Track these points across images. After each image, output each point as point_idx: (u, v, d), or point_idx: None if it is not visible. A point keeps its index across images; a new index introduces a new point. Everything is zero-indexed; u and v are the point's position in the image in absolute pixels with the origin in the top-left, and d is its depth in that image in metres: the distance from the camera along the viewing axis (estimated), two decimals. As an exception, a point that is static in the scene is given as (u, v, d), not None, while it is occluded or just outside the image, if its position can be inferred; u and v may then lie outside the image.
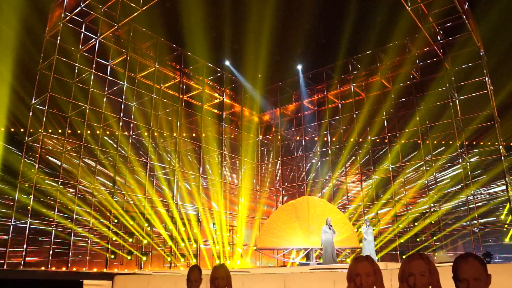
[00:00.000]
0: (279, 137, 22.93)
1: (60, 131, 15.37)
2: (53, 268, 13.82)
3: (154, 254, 16.53)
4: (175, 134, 18.80)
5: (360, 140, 19.75)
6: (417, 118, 17.70)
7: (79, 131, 15.39)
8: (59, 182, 14.38)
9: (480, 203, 16.34)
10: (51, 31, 15.41)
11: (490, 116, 15.92)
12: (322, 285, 6.18)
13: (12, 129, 16.73)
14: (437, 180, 17.73)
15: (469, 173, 16.32)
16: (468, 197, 16.18)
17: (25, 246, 13.08)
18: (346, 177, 20.01)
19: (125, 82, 16.66)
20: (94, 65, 15.85)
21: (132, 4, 14.94)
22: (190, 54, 19.48)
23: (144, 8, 14.51)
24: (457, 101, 17.07)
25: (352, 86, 20.44)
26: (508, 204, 15.04)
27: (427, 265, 2.18)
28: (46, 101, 14.11)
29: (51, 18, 15.90)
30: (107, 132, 16.96)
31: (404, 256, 14.04)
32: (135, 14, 14.95)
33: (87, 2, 14.89)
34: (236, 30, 18.12)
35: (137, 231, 15.48)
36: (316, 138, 22.01)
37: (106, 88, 16.25)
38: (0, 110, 15.18)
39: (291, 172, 23.03)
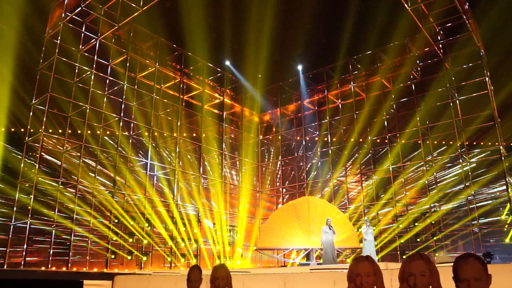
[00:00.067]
0: (280, 137, 22.93)
1: (60, 131, 15.38)
2: (53, 268, 13.82)
3: (154, 254, 16.53)
4: (175, 134, 18.80)
5: (361, 140, 19.75)
6: (418, 118, 17.70)
7: (79, 131, 15.39)
8: (59, 182, 14.38)
9: (481, 203, 16.33)
10: (51, 31, 15.41)
11: (490, 116, 15.91)
12: (322, 285, 6.17)
13: (13, 129, 16.74)
14: (438, 180, 17.72)
15: (470, 173, 16.32)
16: (469, 197, 16.17)
17: (25, 246, 13.08)
18: (346, 177, 20.00)
19: (126, 82, 16.66)
20: (94, 65, 15.86)
21: (133, 4, 14.94)
22: (190, 54, 19.48)
23: (145, 8, 14.50)
24: (457, 101, 17.06)
25: (352, 86, 20.44)
26: (508, 204, 15.03)
27: (427, 265, 2.18)
28: (46, 101, 14.11)
29: (51, 18, 15.90)
30: (108, 132, 16.96)
31: (404, 256, 14.02)
32: (136, 14, 14.94)
33: (87, 2, 14.89)
34: (236, 30, 18.13)
35: (137, 231, 15.48)
36: (316, 138, 22.01)
37: (106, 88, 16.25)
38: (1, 110, 15.18)
39: (291, 172, 23.03)
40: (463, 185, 16.28)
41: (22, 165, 13.93)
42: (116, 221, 15.02)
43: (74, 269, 14.19)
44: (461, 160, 16.56)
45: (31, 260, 14.86)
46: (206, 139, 20.54)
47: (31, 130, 14.41)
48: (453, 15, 15.63)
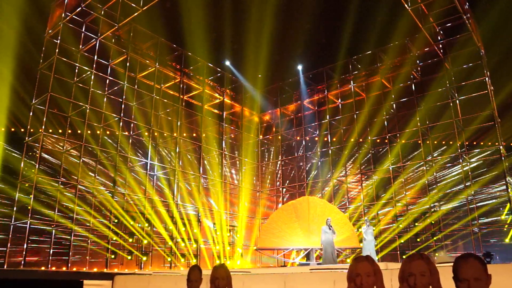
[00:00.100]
0: (280, 137, 22.93)
1: (60, 131, 15.38)
2: (53, 268, 13.83)
3: (154, 254, 16.53)
4: (175, 134, 18.80)
5: (361, 140, 19.75)
6: (418, 118, 17.70)
7: (79, 131, 15.39)
8: (59, 182, 14.39)
9: (481, 203, 16.33)
10: (51, 31, 15.41)
11: (490, 116, 15.91)
12: (322, 285, 6.17)
13: (13, 129, 16.74)
14: (438, 180, 17.72)
15: (470, 173, 16.31)
16: (469, 197, 16.17)
17: (25, 246, 13.08)
18: (346, 177, 20.01)
19: (126, 82, 16.66)
20: (94, 65, 15.86)
21: (133, 4, 14.94)
22: (190, 54, 19.48)
23: (145, 8, 14.50)
24: (457, 101, 17.06)
25: (352, 86, 20.44)
26: (508, 204, 15.03)
27: (427, 265, 2.18)
28: (46, 101, 14.10)
29: (51, 18, 15.90)
30: (108, 132, 16.96)
31: (404, 256, 14.02)
32: (136, 14, 14.94)
33: (87, 2, 14.88)
34: (236, 30, 18.13)
35: (137, 231, 15.48)
36: (316, 138, 22.01)
37: (106, 88, 16.25)
38: (1, 110, 15.18)
39: (291, 172, 23.03)
40: (463, 185, 16.28)
41: (22, 165, 13.93)
42: (116, 221, 15.02)
43: (74, 269, 14.19)
44: (461, 160, 16.57)
45: (31, 260, 14.86)
46: (206, 139, 20.54)
47: (31, 130, 14.40)
48: (453, 15, 15.63)
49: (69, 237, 13.95)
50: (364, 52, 19.97)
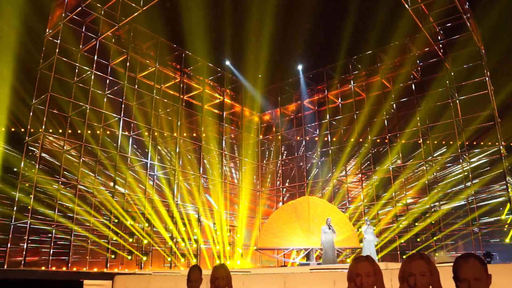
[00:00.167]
0: (280, 137, 22.93)
1: (60, 131, 15.38)
2: (53, 268, 13.83)
3: (154, 254, 16.53)
4: (175, 134, 18.80)
5: (361, 140, 19.74)
6: (418, 118, 17.69)
7: (79, 131, 15.39)
8: (59, 182, 14.38)
9: (481, 203, 16.32)
10: (51, 31, 15.41)
11: (490, 116, 15.91)
12: (322, 285, 6.17)
13: (13, 129, 16.74)
14: (438, 180, 17.72)
15: (470, 173, 16.31)
16: (469, 197, 16.17)
17: (25, 246, 13.08)
18: (346, 177, 20.01)
19: (126, 82, 16.66)
20: (94, 65, 15.85)
21: (133, 4, 14.94)
22: (190, 54, 19.48)
23: (145, 8, 14.50)
24: (457, 101, 17.06)
25: (352, 86, 20.44)
26: (508, 204, 15.03)
27: (427, 265, 2.18)
28: (46, 101, 14.10)
29: (51, 18, 15.90)
30: (108, 132, 16.96)
31: (404, 256, 14.02)
32: (136, 14, 14.94)
33: (87, 2, 14.88)
34: (236, 30, 18.14)
35: (137, 231, 15.48)
36: (316, 138, 22.01)
37: (106, 88, 16.25)
38: (1, 110, 15.18)
39: (291, 171, 23.03)
40: (463, 185, 16.28)
41: (22, 165, 13.93)
42: (116, 221, 15.02)
43: (74, 269, 14.19)
44: (461, 160, 16.56)
45: (31, 260, 14.86)
46: (206, 139, 20.54)
47: (31, 130, 14.40)
48: (453, 15, 15.62)
49: (69, 237, 13.95)
50: (364, 52, 19.97)
